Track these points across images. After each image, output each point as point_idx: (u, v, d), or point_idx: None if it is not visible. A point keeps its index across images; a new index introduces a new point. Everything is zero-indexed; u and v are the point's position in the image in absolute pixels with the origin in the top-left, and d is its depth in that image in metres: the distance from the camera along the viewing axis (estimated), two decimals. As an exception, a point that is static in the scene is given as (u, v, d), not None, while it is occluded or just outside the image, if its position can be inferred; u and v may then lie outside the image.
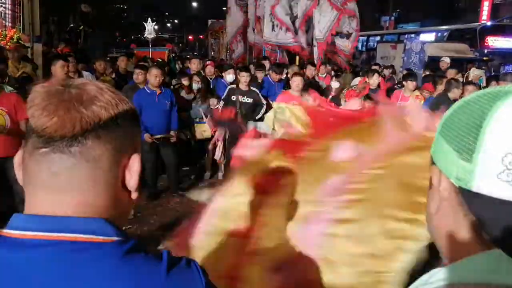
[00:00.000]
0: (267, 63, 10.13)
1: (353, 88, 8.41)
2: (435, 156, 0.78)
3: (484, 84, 9.88)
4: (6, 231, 0.82)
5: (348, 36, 11.36)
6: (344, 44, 11.36)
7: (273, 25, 11.15)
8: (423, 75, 11.19)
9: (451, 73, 9.60)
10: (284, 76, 9.02)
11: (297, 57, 10.55)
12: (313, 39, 10.72)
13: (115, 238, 0.83)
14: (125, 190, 0.90)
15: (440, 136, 0.76)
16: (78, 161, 0.82)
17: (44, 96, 0.81)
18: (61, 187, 0.83)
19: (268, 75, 8.56)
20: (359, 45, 25.18)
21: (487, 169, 0.66)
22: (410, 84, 7.73)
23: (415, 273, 1.63)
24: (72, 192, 0.84)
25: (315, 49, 10.56)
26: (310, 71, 9.77)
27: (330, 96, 8.42)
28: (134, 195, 0.92)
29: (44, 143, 0.81)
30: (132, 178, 0.89)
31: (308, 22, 10.85)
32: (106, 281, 0.79)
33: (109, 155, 0.85)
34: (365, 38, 25.05)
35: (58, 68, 6.14)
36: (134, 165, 0.89)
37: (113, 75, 8.93)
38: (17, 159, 0.88)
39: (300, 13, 10.72)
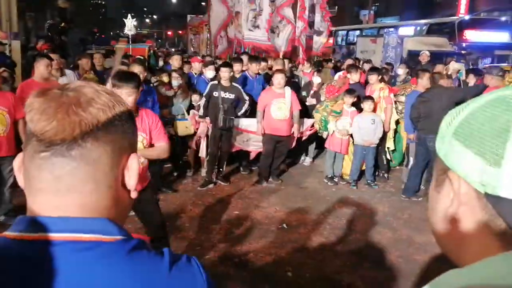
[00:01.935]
0: (245, 58, 10.10)
1: (333, 83, 8.47)
2: (448, 160, 0.75)
3: (464, 78, 9.99)
4: (10, 233, 0.83)
5: (319, 33, 11.54)
6: (317, 41, 11.53)
7: (251, 22, 11.19)
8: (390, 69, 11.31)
9: (438, 68, 9.71)
10: (260, 69, 9.01)
11: (280, 53, 10.54)
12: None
13: (119, 237, 0.86)
14: (125, 190, 0.92)
15: (454, 140, 0.74)
16: (78, 164, 0.83)
17: (43, 100, 0.82)
18: (64, 190, 0.84)
19: (246, 71, 8.53)
20: (339, 40, 25.31)
21: None
22: (372, 78, 7.88)
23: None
24: (74, 195, 0.85)
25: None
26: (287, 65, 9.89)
27: (312, 91, 8.46)
28: (133, 194, 0.94)
29: (44, 147, 0.82)
30: (131, 177, 0.91)
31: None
32: (112, 279, 0.81)
33: (109, 156, 0.86)
34: (345, 32, 25.17)
35: (41, 66, 6.07)
36: (133, 164, 0.91)
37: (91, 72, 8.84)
38: (17, 162, 0.89)
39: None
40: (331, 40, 26.47)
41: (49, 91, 0.84)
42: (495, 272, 0.67)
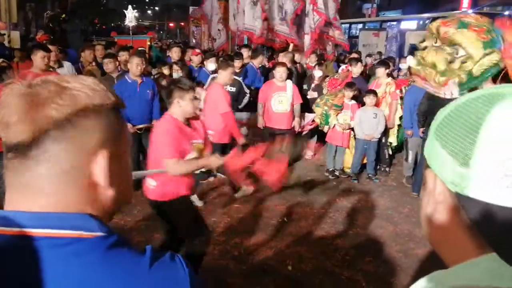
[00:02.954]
0: (246, 51, 10.05)
1: (335, 76, 8.42)
2: (429, 158, 0.77)
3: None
4: None
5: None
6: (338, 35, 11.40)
7: (254, 13, 11.08)
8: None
9: None
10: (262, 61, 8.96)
11: (291, 44, 10.46)
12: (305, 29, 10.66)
13: (99, 233, 0.84)
14: (103, 186, 0.90)
15: (434, 139, 0.75)
16: (39, 165, 0.83)
17: (5, 99, 0.82)
18: (32, 191, 0.84)
19: (251, 63, 8.49)
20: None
21: (485, 174, 0.65)
22: (380, 71, 7.80)
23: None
24: (43, 194, 0.84)
25: (307, 38, 10.52)
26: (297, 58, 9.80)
27: (313, 85, 8.42)
28: (109, 191, 0.91)
29: (7, 149, 0.84)
30: (99, 174, 0.88)
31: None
32: (89, 276, 0.80)
33: (69, 154, 0.85)
34: (347, 26, 25.09)
35: (38, 58, 6.02)
36: (100, 161, 0.88)
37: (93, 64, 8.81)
38: None
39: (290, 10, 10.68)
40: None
41: (15, 88, 0.84)
42: (479, 274, 0.68)
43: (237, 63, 7.96)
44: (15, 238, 0.80)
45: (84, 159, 0.86)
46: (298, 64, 9.67)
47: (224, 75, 6.25)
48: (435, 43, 3.47)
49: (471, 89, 3.48)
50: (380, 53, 12.98)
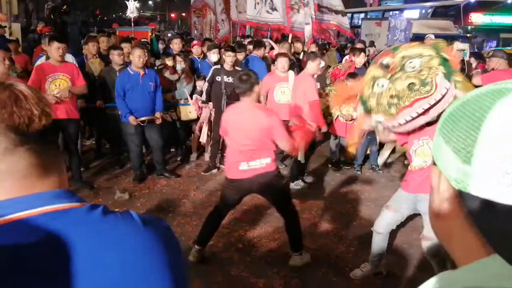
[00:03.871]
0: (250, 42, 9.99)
1: (338, 67, 8.37)
2: (435, 155, 0.76)
3: (468, 58, 9.88)
4: None
5: (340, 13, 11.25)
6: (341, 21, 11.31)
7: (255, 3, 11.00)
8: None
9: None
10: (265, 52, 8.91)
11: (290, 35, 10.40)
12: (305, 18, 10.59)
13: (85, 204, 0.96)
14: None
15: (439, 135, 0.74)
16: None
17: None
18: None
19: (254, 54, 8.43)
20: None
21: (486, 172, 0.64)
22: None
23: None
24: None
25: (307, 28, 10.46)
26: (297, 48, 9.74)
27: (315, 75, 8.37)
28: None
29: None
30: None
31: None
32: (95, 239, 0.89)
33: None
34: (349, 15, 24.97)
35: (53, 49, 6.03)
36: None
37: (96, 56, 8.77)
38: None
39: None
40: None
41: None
42: (488, 275, 0.67)
43: (240, 55, 7.89)
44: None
45: None
46: (302, 54, 9.58)
47: (313, 66, 6.56)
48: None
49: None
50: (372, 42, 12.88)
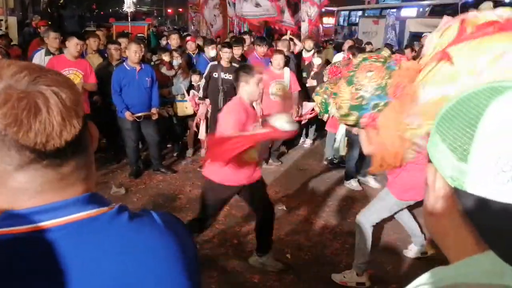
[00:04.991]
0: (248, 39, 9.97)
1: (336, 64, 8.36)
2: (430, 152, 0.76)
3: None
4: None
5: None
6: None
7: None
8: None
9: None
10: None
11: (288, 31, 10.39)
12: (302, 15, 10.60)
13: (112, 207, 0.93)
14: None
15: (435, 133, 0.74)
16: None
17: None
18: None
19: (255, 52, 8.43)
20: (341, 20, 25.13)
21: (482, 170, 0.64)
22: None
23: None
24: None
25: (304, 25, 10.46)
26: (297, 46, 9.72)
27: (312, 73, 8.38)
28: None
29: None
30: None
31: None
32: (121, 245, 0.88)
33: None
34: (347, 13, 24.96)
35: (72, 45, 6.33)
36: None
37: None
38: None
39: None
40: (332, 20, 26.29)
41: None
42: (479, 271, 0.68)
43: (237, 51, 7.88)
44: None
45: None
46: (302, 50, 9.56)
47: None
48: None
49: None
50: (360, 41, 12.88)
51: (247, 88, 3.93)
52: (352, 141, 6.56)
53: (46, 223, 0.83)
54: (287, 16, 10.62)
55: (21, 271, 0.79)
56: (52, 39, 6.86)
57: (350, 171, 6.69)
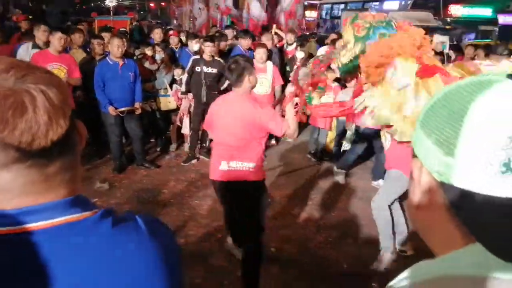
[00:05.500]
0: (230, 32, 9.95)
1: (319, 57, 8.38)
2: (415, 147, 0.76)
3: (447, 51, 9.97)
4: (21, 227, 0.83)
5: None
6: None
7: None
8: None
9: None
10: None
11: (274, 25, 10.39)
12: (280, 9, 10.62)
13: (96, 211, 0.92)
14: None
15: (420, 128, 0.74)
16: None
17: None
18: None
19: (239, 45, 8.41)
20: (323, 14, 25.12)
21: (469, 164, 0.65)
22: None
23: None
24: None
25: (282, 17, 10.48)
26: (284, 40, 9.74)
27: (295, 66, 8.38)
28: None
29: None
30: None
31: None
32: (102, 253, 0.87)
33: None
34: (329, 6, 24.94)
35: (55, 39, 6.31)
36: None
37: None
38: None
39: None
40: (315, 14, 26.25)
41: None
42: (464, 264, 0.68)
43: (221, 45, 7.88)
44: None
45: None
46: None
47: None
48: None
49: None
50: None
51: (252, 80, 3.78)
52: (362, 136, 6.54)
53: (27, 226, 0.82)
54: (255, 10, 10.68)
55: (1, 272, 0.79)
56: (42, 32, 6.86)
57: (345, 164, 6.68)
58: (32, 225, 0.82)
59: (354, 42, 3.40)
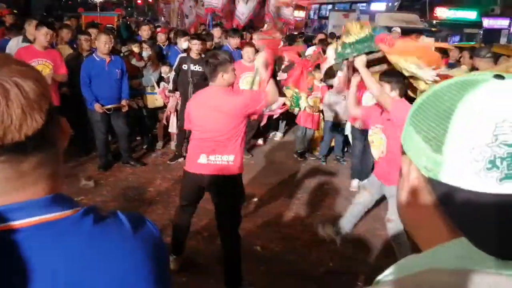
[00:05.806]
0: (218, 31, 9.94)
1: (307, 57, 8.42)
2: (405, 145, 0.78)
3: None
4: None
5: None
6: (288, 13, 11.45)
7: None
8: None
9: None
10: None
11: (265, 25, 10.41)
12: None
13: (78, 209, 0.89)
14: None
15: (409, 125, 0.76)
16: None
17: None
18: None
19: (227, 44, 8.40)
20: (311, 14, 25.18)
21: (456, 160, 0.66)
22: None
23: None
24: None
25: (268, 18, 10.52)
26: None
27: (283, 66, 8.41)
28: None
29: None
30: None
31: None
32: (84, 251, 0.84)
33: None
34: (317, 6, 25.04)
35: (41, 35, 6.16)
36: None
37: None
38: None
39: None
40: (303, 13, 26.30)
41: None
42: (448, 257, 0.69)
43: (207, 45, 7.87)
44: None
45: None
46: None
47: None
48: None
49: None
50: (334, 34, 13.01)
51: (226, 77, 3.76)
52: (354, 137, 6.55)
53: (3, 225, 0.79)
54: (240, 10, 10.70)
55: None
56: (33, 26, 6.72)
57: (355, 169, 6.59)
58: (10, 224, 0.79)
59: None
